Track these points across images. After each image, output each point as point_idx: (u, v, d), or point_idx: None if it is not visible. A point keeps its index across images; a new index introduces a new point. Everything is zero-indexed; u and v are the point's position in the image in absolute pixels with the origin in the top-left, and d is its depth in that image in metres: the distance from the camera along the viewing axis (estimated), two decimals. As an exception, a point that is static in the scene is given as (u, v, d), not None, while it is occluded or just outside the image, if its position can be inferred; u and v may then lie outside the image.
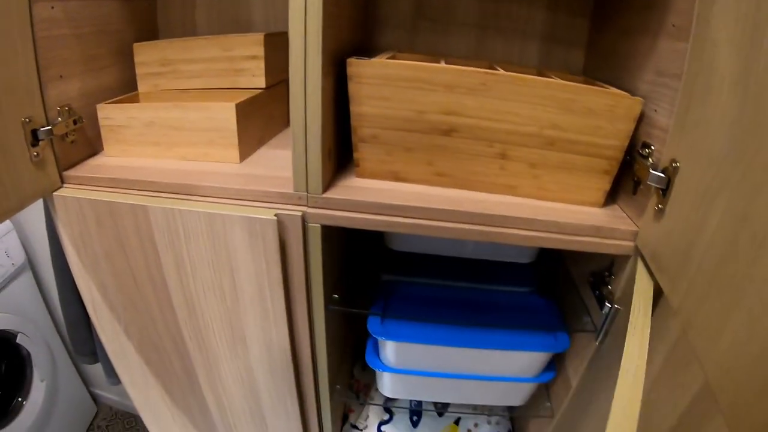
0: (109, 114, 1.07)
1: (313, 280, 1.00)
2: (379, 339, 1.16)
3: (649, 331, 0.73)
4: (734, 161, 0.61)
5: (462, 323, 1.20)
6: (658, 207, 0.79)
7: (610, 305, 0.93)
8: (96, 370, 2.41)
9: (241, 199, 0.95)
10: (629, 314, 0.80)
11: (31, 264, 2.22)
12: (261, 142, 1.20)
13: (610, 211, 0.96)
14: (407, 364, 1.22)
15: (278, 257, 0.93)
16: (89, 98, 1.06)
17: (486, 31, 1.28)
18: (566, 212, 0.94)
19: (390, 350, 1.20)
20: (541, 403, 1.30)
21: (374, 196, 0.93)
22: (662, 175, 0.78)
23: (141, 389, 1.29)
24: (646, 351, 0.71)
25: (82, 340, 1.79)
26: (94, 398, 2.67)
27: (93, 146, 1.10)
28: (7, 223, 2.02)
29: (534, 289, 1.31)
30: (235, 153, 1.06)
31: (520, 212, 0.91)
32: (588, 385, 1.05)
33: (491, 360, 1.20)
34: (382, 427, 1.59)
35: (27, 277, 2.20)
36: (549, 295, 1.30)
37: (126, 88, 1.20)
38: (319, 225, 0.93)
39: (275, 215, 0.89)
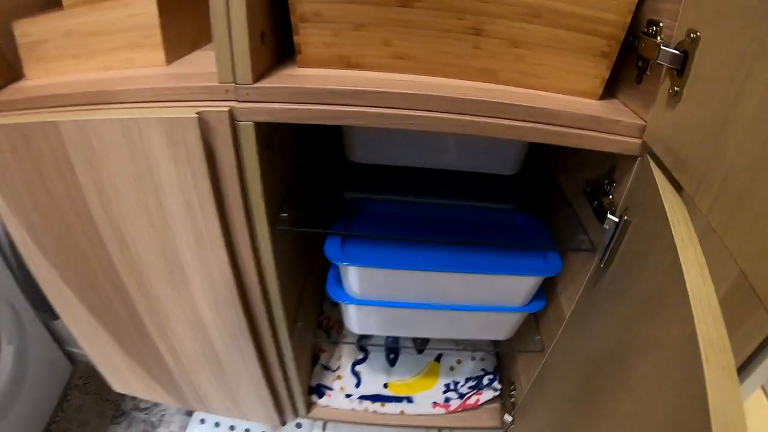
0: (26, 30, 0.94)
1: (251, 194, 0.86)
2: (340, 265, 1.04)
3: (699, 247, 0.60)
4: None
5: (437, 245, 1.07)
6: (673, 90, 0.68)
7: (617, 219, 0.80)
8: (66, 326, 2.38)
9: (159, 101, 0.81)
10: (645, 226, 0.72)
11: None
12: (195, 45, 1.05)
13: (609, 104, 0.82)
14: (374, 293, 1.10)
15: (204, 166, 0.79)
16: (6, 17, 0.94)
17: None
18: (559, 101, 0.79)
19: (353, 278, 1.06)
20: (529, 336, 1.21)
21: (318, 82, 0.76)
22: (677, 51, 0.66)
23: (92, 341, 1.22)
24: (708, 273, 0.57)
25: (40, 297, 1.71)
26: (69, 356, 2.52)
27: (14, 72, 0.98)
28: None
29: (518, 205, 1.18)
30: (160, 54, 0.93)
31: (503, 98, 0.76)
32: (585, 316, 0.95)
33: (471, 287, 1.09)
34: (356, 367, 1.52)
35: None
36: (536, 211, 1.18)
37: (50, 4, 1.05)
38: (251, 123, 0.78)
39: (197, 113, 0.75)
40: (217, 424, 1.78)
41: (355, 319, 1.19)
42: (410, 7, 0.75)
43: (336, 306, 1.28)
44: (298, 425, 1.74)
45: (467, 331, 1.25)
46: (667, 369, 0.57)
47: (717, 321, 0.50)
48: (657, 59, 0.69)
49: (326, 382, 1.49)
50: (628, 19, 0.74)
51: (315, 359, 1.54)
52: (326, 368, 1.52)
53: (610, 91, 0.84)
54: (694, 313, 0.50)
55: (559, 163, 1.14)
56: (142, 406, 2.05)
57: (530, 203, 1.18)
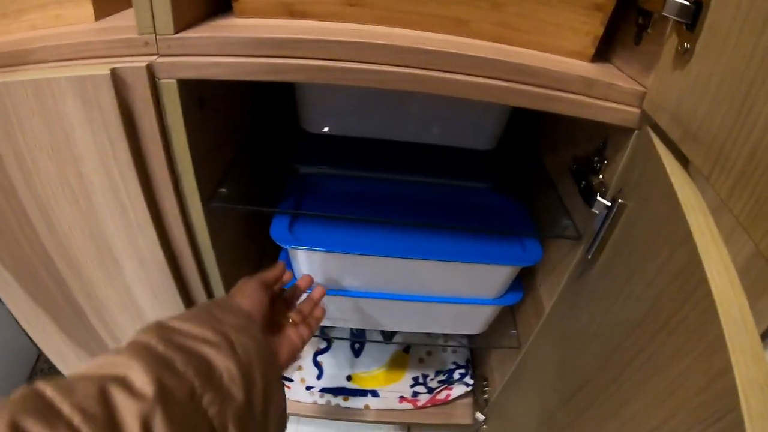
0: None
1: (180, 164, 0.76)
2: (288, 248, 0.94)
3: (722, 242, 0.49)
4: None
5: (401, 227, 0.98)
6: (682, 47, 0.58)
7: (608, 202, 0.71)
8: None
9: (78, 58, 0.71)
10: (645, 211, 0.62)
11: None
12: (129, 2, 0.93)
13: (602, 67, 0.71)
14: (329, 282, 1.01)
15: (122, 131, 0.68)
16: None
17: None
18: (543, 60, 0.68)
19: (303, 263, 0.97)
20: (505, 330, 1.13)
21: (251, 31, 0.65)
22: (686, 2, 0.57)
23: (37, 328, 1.17)
24: (737, 279, 0.46)
25: None
26: (34, 341, 2.51)
27: None
28: None
29: (495, 185, 1.09)
30: (88, 9, 0.83)
31: (474, 51, 0.65)
32: (567, 310, 0.86)
33: (439, 276, 1.00)
34: (319, 357, 1.44)
35: None
36: (514, 192, 1.09)
37: None
38: (174, 80, 0.67)
39: (110, 70, 0.65)
40: None
41: None
42: None
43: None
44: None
45: (434, 325, 1.18)
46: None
47: (756, 350, 0.38)
48: (663, 11, 0.59)
49: (285, 372, 1.39)
50: None
51: None
52: None
53: (602, 54, 0.74)
54: (728, 340, 0.39)
55: (543, 138, 1.05)
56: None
57: (508, 183, 1.09)
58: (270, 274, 0.80)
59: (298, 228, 0.95)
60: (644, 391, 0.53)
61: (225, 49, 0.64)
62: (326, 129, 1.00)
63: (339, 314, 1.12)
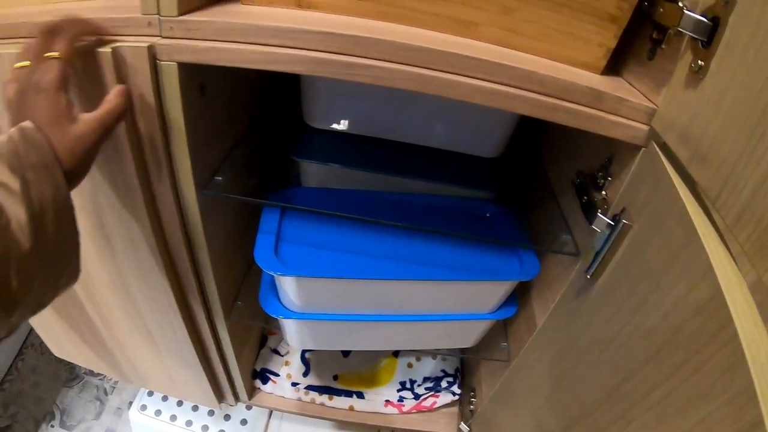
0: None
1: (176, 148, 0.76)
2: (274, 275, 0.92)
3: (740, 274, 0.47)
4: None
5: (393, 242, 0.98)
6: (695, 65, 0.57)
7: (611, 222, 0.70)
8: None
9: None
10: (652, 233, 0.60)
11: None
12: None
13: (612, 81, 0.70)
14: (317, 306, 0.98)
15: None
16: None
17: None
18: (551, 67, 0.67)
19: (291, 288, 0.94)
20: (496, 342, 1.12)
21: (255, 19, 0.65)
22: (704, 18, 0.56)
23: None
24: (757, 313, 0.44)
25: None
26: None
27: None
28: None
29: (495, 195, 1.08)
30: None
31: (480, 53, 0.64)
32: (560, 327, 0.85)
33: (435, 294, 0.99)
34: (307, 354, 1.44)
35: None
36: (515, 203, 1.08)
37: None
38: (174, 63, 0.67)
39: (111, 48, 0.66)
40: (165, 398, 1.69)
41: (295, 334, 1.08)
42: None
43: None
44: (248, 407, 1.64)
45: (427, 342, 1.18)
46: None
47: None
48: (678, 26, 0.58)
49: (273, 367, 1.40)
50: None
51: (263, 341, 1.45)
52: (275, 352, 1.44)
53: (613, 67, 0.73)
54: (759, 392, 0.38)
55: (548, 149, 1.04)
56: (96, 371, 2.00)
57: (510, 193, 1.08)
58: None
59: (284, 249, 0.93)
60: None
61: (225, 35, 0.64)
62: (329, 125, 0.98)
63: (326, 339, 1.11)
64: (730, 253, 0.48)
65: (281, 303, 0.98)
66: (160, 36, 0.66)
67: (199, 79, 0.74)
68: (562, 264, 0.88)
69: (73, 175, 0.63)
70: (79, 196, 0.78)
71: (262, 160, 1.08)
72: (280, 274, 0.89)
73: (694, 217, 0.52)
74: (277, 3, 0.70)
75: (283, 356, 1.42)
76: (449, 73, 0.63)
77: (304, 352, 1.42)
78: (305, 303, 0.96)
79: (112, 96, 0.67)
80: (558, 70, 0.67)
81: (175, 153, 0.76)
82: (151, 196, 0.81)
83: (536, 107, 0.65)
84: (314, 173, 1.04)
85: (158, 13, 0.65)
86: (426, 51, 0.62)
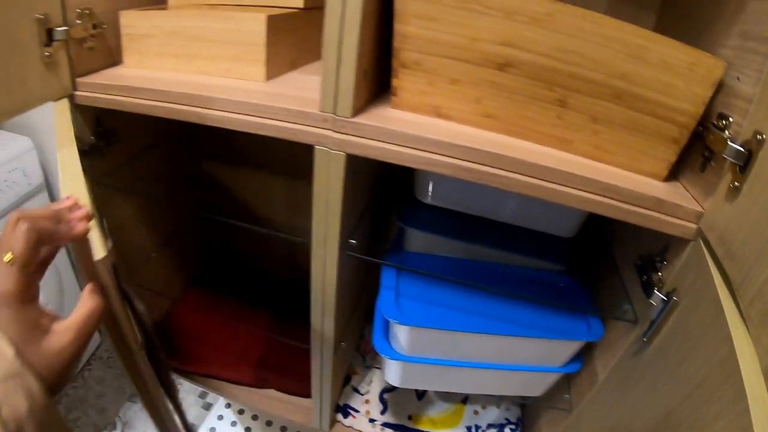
0: (132, 22, 1.03)
1: (329, 217, 0.92)
2: (392, 322, 1.07)
3: (753, 345, 0.62)
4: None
5: (487, 307, 1.12)
6: (733, 185, 0.70)
7: (665, 297, 0.83)
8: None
9: (256, 116, 0.88)
10: (694, 310, 0.74)
11: (48, 185, 2.22)
12: (292, 65, 1.12)
13: (672, 187, 0.85)
14: (422, 351, 1.12)
15: None
16: (113, 4, 1.03)
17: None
18: (626, 178, 0.83)
19: (403, 335, 1.10)
20: (559, 394, 1.21)
21: (411, 128, 0.81)
22: (742, 149, 0.69)
23: None
24: (763, 377, 0.59)
25: None
26: (99, 329, 2.64)
27: (113, 56, 1.07)
28: (28, 142, 2.02)
29: (568, 268, 1.21)
30: (261, 70, 0.99)
31: (577, 169, 0.80)
32: (619, 382, 0.96)
33: (516, 347, 1.12)
34: (385, 395, 1.54)
35: (42, 198, 2.20)
36: (584, 275, 1.21)
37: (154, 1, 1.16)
38: (343, 153, 0.84)
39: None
40: (233, 423, 1.80)
41: (397, 373, 1.20)
42: (505, 72, 0.81)
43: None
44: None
45: (504, 388, 1.27)
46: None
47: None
48: (723, 153, 0.72)
49: (354, 403, 1.52)
50: (702, 111, 0.78)
51: (347, 380, 1.57)
52: (356, 390, 1.55)
53: (673, 173, 0.87)
54: (753, 418, 0.53)
55: (615, 232, 1.15)
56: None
57: (581, 267, 1.21)
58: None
59: (402, 302, 1.10)
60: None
61: (389, 138, 0.80)
62: (435, 202, 1.13)
63: (422, 380, 1.23)
64: (746, 326, 0.62)
65: (391, 346, 1.14)
66: (333, 130, 0.83)
67: (354, 166, 0.88)
68: (623, 329, 0.98)
69: (55, 386, 0.56)
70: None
71: (378, 227, 1.24)
72: (398, 323, 1.05)
73: (723, 298, 0.65)
74: (421, 111, 0.88)
75: (363, 395, 1.53)
76: (554, 183, 0.79)
77: (382, 392, 1.53)
78: (411, 348, 1.10)
79: (86, 297, 0.64)
80: (631, 180, 0.82)
81: (330, 220, 0.92)
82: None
83: (613, 210, 0.79)
84: (418, 239, 1.19)
85: (334, 113, 0.81)
86: (539, 167, 0.78)
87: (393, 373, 1.21)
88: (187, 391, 2.31)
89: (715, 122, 0.78)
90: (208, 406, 2.24)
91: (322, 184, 0.88)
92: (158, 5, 1.12)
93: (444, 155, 0.80)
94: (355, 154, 0.84)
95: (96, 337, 2.60)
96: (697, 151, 0.83)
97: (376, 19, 0.83)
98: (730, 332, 0.61)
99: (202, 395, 2.33)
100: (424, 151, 0.81)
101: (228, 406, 1.96)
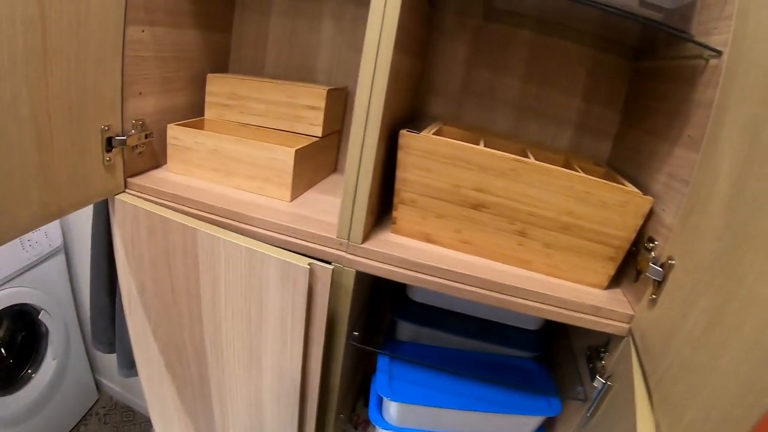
0: (178, 135, 1.19)
1: (338, 317, 1.08)
2: (386, 399, 1.23)
3: (653, 420, 0.76)
4: (716, 270, 0.69)
5: (465, 387, 1.27)
6: (652, 297, 0.86)
7: (603, 381, 0.98)
8: (104, 359, 2.55)
9: (283, 234, 1.04)
10: (620, 392, 0.88)
11: (66, 248, 2.33)
12: (310, 184, 1.30)
13: (612, 294, 1.03)
14: (409, 423, 1.27)
15: (304, 301, 0.99)
16: (161, 115, 1.17)
17: (525, 113, 1.38)
18: (572, 290, 1.01)
19: (394, 409, 1.24)
20: None
21: (407, 253, 1.01)
22: (660, 269, 0.85)
23: (155, 385, 1.36)
24: None
25: (103, 330, 1.90)
26: (98, 385, 2.71)
27: (157, 159, 1.21)
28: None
29: (535, 355, 1.36)
30: (287, 192, 1.17)
31: (531, 285, 0.99)
32: None
33: (488, 421, 1.26)
34: None
35: (60, 260, 2.31)
36: (547, 361, 1.36)
37: (193, 112, 1.31)
38: (354, 270, 1.03)
39: (308, 264, 0.96)
40: None
41: None
42: (479, 210, 1.02)
43: (367, 407, 1.44)
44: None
45: None
46: None
47: None
48: (646, 271, 0.88)
49: None
50: (633, 236, 0.97)
51: None
52: None
53: (617, 281, 1.05)
54: None
55: (573, 326, 1.16)
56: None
57: (544, 354, 1.36)
58: None
59: (395, 384, 1.24)
60: None
61: (389, 261, 1.01)
62: (423, 300, 1.33)
63: None
64: (652, 407, 0.76)
65: (383, 418, 1.28)
66: (346, 252, 1.01)
67: (360, 276, 1.06)
68: (577, 405, 1.13)
69: None
70: (248, 338, 1.07)
71: (375, 320, 1.39)
72: (390, 400, 1.20)
73: (637, 385, 0.79)
74: (414, 237, 1.09)
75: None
76: (514, 296, 0.99)
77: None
78: (400, 420, 1.25)
79: None
80: (577, 292, 1.00)
81: (337, 320, 1.08)
82: (307, 350, 1.05)
83: (560, 317, 0.98)
84: (408, 330, 1.37)
85: (348, 239, 1.01)
86: (502, 285, 0.98)
87: None
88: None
89: (646, 244, 0.95)
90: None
91: (335, 291, 1.04)
92: (195, 118, 1.28)
93: (431, 276, 1.01)
94: (365, 272, 1.03)
95: (93, 393, 2.68)
96: (633, 265, 1.00)
97: (381, 169, 1.02)
98: (637, 410, 0.76)
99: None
100: (417, 272, 1.01)
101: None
